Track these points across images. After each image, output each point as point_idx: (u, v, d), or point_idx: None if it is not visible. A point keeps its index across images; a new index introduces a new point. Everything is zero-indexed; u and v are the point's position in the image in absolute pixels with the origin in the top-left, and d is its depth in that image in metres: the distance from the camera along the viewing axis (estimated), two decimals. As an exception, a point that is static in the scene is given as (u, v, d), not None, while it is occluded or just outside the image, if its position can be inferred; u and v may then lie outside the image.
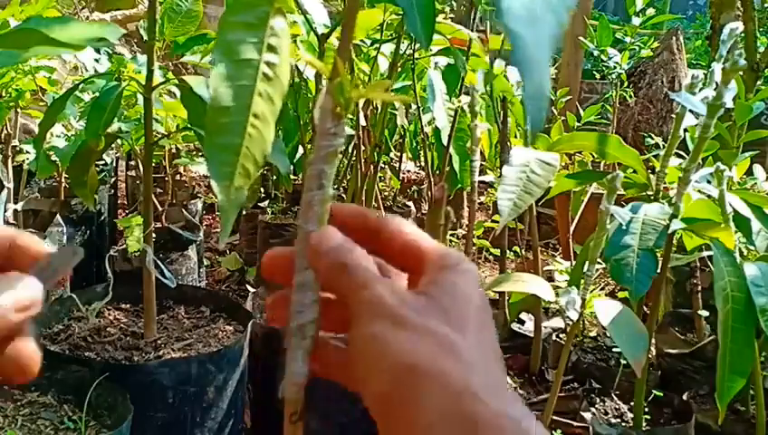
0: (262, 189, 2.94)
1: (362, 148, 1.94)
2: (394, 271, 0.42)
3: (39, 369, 0.38)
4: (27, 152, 2.23)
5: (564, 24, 0.34)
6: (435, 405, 0.34)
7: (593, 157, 2.55)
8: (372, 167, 1.95)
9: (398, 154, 3.27)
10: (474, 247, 2.28)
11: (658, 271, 1.36)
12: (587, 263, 1.32)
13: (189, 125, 1.45)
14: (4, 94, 2.05)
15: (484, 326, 0.38)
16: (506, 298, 1.92)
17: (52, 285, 0.39)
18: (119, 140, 2.10)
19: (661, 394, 1.63)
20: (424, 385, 0.35)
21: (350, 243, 0.40)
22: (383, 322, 0.36)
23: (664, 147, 1.50)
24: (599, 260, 1.30)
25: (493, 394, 0.35)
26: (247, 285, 2.76)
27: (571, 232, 2.29)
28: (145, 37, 1.44)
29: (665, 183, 1.49)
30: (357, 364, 0.38)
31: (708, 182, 1.46)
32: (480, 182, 2.15)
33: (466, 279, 0.39)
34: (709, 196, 1.42)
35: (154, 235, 1.56)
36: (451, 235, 3.02)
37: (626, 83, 3.31)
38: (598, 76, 3.66)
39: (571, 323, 1.43)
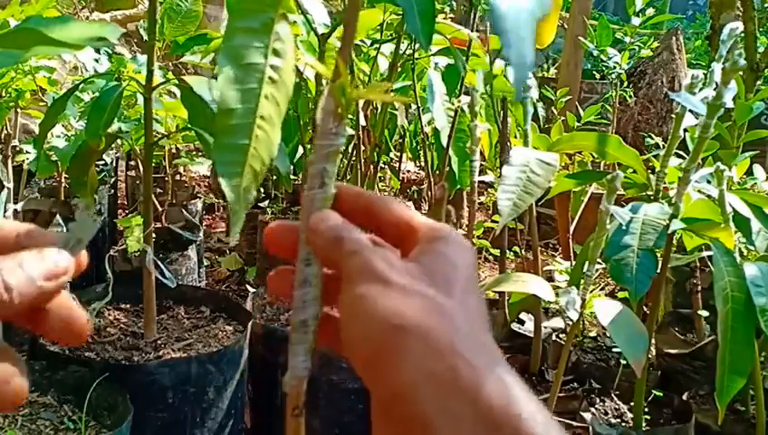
0: (262, 189, 2.94)
1: (362, 148, 1.94)
2: (388, 246, 0.43)
3: (89, 332, 0.39)
4: (27, 152, 2.23)
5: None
6: (418, 363, 0.35)
7: (593, 157, 2.55)
8: (372, 167, 1.94)
9: (398, 154, 3.27)
10: (473, 247, 2.28)
11: (658, 271, 1.36)
12: (587, 263, 1.32)
13: (189, 125, 1.45)
14: (4, 94, 2.05)
15: (471, 291, 0.40)
16: (506, 298, 1.92)
17: (77, 253, 0.39)
18: (119, 140, 2.10)
19: (661, 394, 1.63)
20: (408, 344, 0.35)
21: (347, 223, 0.41)
22: (371, 283, 0.38)
23: (664, 147, 1.50)
24: (599, 260, 1.30)
25: (476, 354, 0.36)
26: (247, 285, 2.75)
27: (571, 232, 2.29)
28: (145, 37, 1.44)
29: (665, 183, 1.49)
30: (345, 326, 0.39)
31: (708, 182, 1.46)
32: (480, 182, 2.15)
33: (455, 249, 0.41)
34: (709, 196, 1.42)
35: (154, 235, 1.56)
36: (451, 235, 3.01)
37: (626, 83, 3.31)
38: (598, 76, 3.67)
39: (571, 323, 1.43)
